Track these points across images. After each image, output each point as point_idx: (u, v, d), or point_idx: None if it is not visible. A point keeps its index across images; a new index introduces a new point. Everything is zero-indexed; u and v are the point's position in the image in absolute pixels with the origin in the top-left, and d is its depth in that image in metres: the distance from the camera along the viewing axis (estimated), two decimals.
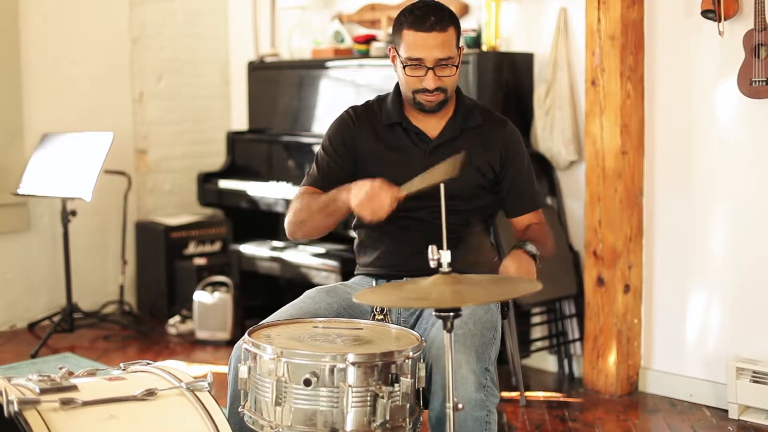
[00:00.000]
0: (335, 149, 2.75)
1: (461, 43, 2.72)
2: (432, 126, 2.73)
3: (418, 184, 2.42)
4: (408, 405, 2.22)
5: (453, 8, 4.64)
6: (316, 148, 4.84)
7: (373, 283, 2.78)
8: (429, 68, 2.60)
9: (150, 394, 2.05)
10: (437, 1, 2.70)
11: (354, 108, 2.84)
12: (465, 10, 4.75)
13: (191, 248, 5.58)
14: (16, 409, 1.87)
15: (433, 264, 2.09)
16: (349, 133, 2.76)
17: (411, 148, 2.72)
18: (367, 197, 2.44)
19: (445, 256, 2.07)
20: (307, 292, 2.74)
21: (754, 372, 3.81)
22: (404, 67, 2.63)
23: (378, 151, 2.73)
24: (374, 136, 2.75)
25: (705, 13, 3.84)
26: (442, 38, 2.59)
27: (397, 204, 2.46)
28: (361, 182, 2.50)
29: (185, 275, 5.42)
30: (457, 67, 2.63)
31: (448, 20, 2.62)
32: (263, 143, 5.32)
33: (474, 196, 2.72)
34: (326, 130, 2.84)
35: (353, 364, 2.14)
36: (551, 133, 4.38)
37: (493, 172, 2.73)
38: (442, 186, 2.13)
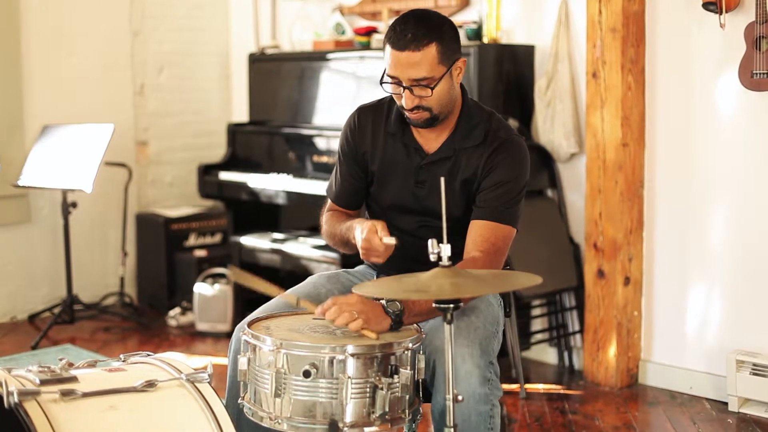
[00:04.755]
0: (344, 157, 2.74)
1: (456, 55, 2.52)
2: (431, 139, 2.62)
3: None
4: (407, 396, 2.23)
5: (454, 1, 4.71)
6: (317, 140, 4.94)
7: (376, 273, 2.78)
8: (405, 87, 2.48)
9: (150, 385, 2.05)
10: (426, 11, 2.54)
11: (361, 109, 2.74)
12: (466, 2, 4.74)
13: (192, 240, 5.58)
14: (16, 400, 1.88)
15: (433, 258, 2.09)
16: (352, 138, 2.72)
17: (404, 160, 2.65)
18: (364, 246, 2.47)
19: (445, 249, 2.07)
20: (310, 278, 2.77)
21: (754, 365, 3.81)
22: (386, 83, 2.53)
23: (376, 156, 2.69)
24: (375, 141, 2.68)
25: (706, 6, 3.83)
26: (418, 57, 2.44)
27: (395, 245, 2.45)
28: (358, 228, 2.50)
29: (185, 267, 5.42)
30: (432, 88, 2.47)
31: (428, 37, 2.44)
32: (264, 135, 5.31)
33: (471, 213, 2.61)
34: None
35: (353, 355, 2.15)
36: (552, 125, 4.37)
37: (478, 184, 2.59)
38: (442, 180, 2.13)
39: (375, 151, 2.68)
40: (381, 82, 2.54)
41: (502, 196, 2.56)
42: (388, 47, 2.48)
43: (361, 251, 2.50)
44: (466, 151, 2.59)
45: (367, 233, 2.45)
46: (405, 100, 2.50)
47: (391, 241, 2.42)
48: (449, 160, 2.60)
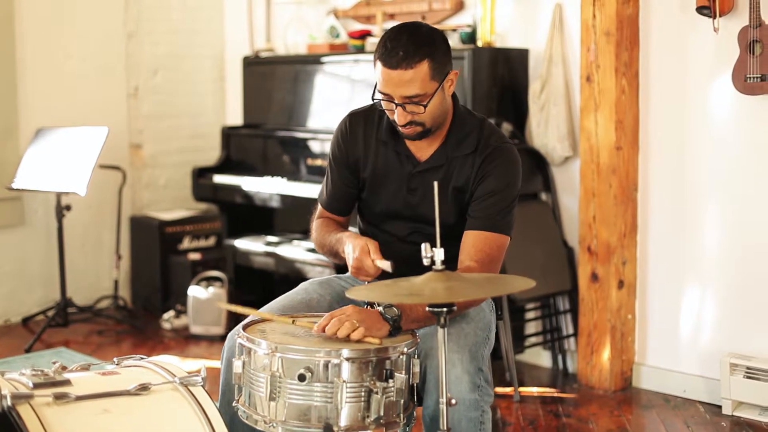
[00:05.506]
0: (336, 163, 2.73)
1: (448, 68, 2.51)
2: (423, 147, 2.61)
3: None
4: (402, 400, 2.23)
5: (448, 4, 4.72)
6: (311, 143, 4.94)
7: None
8: (397, 104, 2.47)
9: (143, 388, 2.05)
10: (417, 25, 2.51)
11: (352, 115, 2.73)
12: (460, 5, 4.75)
13: (186, 243, 5.57)
14: (9, 403, 1.87)
15: (426, 261, 2.09)
16: (344, 144, 2.71)
17: (397, 168, 2.64)
18: (355, 265, 2.46)
19: (439, 253, 2.07)
20: (302, 284, 2.75)
21: (748, 368, 3.82)
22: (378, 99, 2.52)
23: (368, 163, 2.68)
24: (367, 147, 2.67)
25: (700, 10, 3.84)
26: (410, 76, 2.42)
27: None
28: (349, 244, 2.50)
29: (180, 270, 5.42)
30: (425, 105, 2.45)
31: (420, 54, 2.42)
32: (258, 138, 5.31)
33: (463, 220, 2.61)
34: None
35: (348, 359, 2.15)
36: (546, 128, 4.38)
37: (471, 194, 2.59)
38: (435, 184, 2.13)
39: (367, 157, 2.67)
40: (372, 98, 2.53)
41: (495, 204, 2.55)
42: (379, 64, 2.46)
43: (351, 269, 2.50)
44: (458, 160, 2.59)
45: (360, 253, 2.45)
46: (398, 117, 2.49)
47: (387, 267, 2.40)
48: (441, 169, 2.59)
